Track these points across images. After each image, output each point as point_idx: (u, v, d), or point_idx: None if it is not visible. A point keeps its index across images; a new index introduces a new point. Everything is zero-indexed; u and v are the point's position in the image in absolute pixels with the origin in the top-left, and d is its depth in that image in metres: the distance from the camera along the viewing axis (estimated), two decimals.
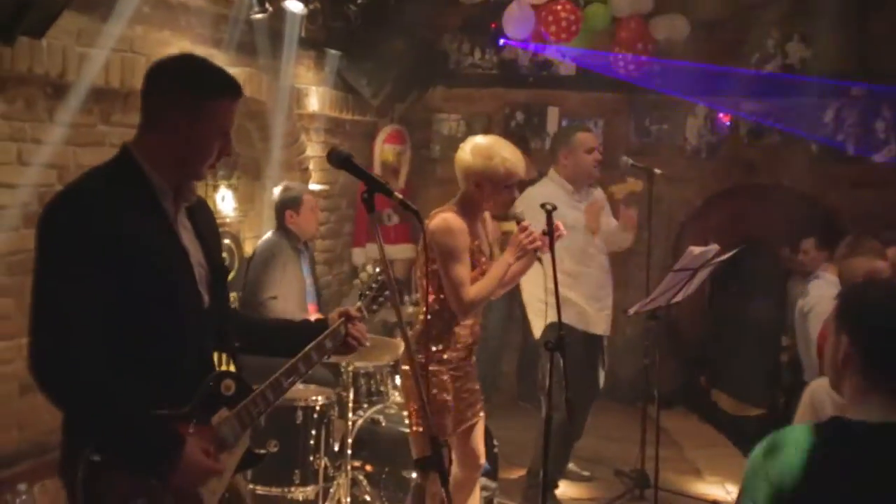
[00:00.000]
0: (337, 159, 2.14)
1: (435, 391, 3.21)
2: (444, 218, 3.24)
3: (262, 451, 2.30)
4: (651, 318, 4.28)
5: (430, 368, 3.21)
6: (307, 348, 2.32)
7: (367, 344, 2.48)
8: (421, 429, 3.19)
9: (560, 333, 2.89)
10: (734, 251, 4.30)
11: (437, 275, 3.22)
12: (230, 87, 2.13)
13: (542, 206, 3.03)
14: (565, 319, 4.32)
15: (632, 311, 4.29)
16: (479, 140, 3.32)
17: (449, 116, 7.17)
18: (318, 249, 5.88)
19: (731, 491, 5.11)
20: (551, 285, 2.94)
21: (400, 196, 2.12)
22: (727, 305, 7.03)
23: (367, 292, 2.48)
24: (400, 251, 6.72)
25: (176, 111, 2.05)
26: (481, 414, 3.48)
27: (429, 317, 3.18)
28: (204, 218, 2.27)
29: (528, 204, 4.12)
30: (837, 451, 1.74)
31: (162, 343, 2.06)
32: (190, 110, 2.05)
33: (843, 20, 6.58)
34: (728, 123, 7.02)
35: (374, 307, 2.48)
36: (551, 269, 2.96)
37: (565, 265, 4.20)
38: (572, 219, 4.33)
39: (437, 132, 7.20)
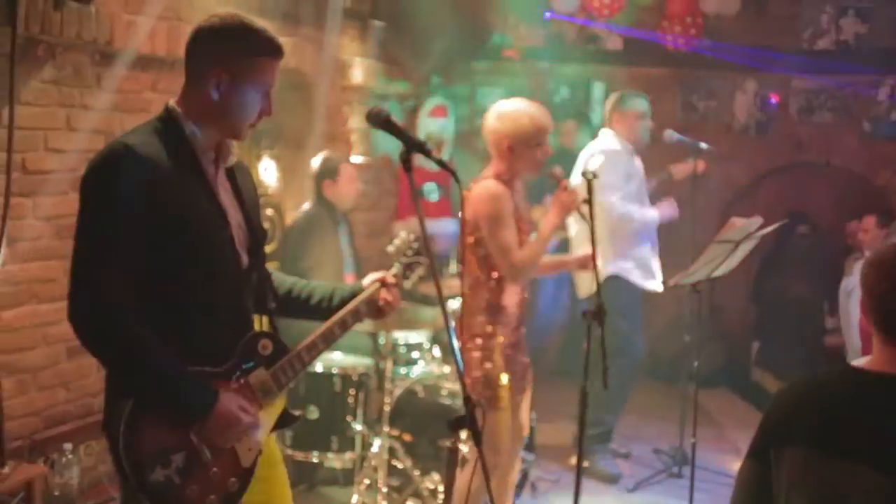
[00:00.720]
0: (376, 119, 2.13)
1: (489, 364, 3.22)
2: (485, 185, 3.23)
3: (298, 413, 2.32)
4: (693, 290, 4.22)
5: (478, 342, 3.22)
6: (342, 312, 2.33)
7: (399, 307, 2.47)
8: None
9: (599, 303, 2.86)
10: (778, 224, 4.21)
11: (479, 246, 3.21)
12: (272, 46, 2.13)
13: (584, 173, 3.00)
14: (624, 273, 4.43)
15: (672, 282, 4.25)
16: (503, 104, 3.33)
17: (493, 90, 7.12)
18: (359, 222, 5.89)
19: None
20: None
21: (438, 156, 2.10)
22: (773, 285, 6.90)
23: (403, 258, 2.47)
24: (441, 226, 6.71)
25: (217, 68, 2.06)
26: (529, 388, 3.48)
27: (470, 290, 3.19)
28: (244, 180, 2.28)
29: (613, 161, 4.44)
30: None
31: (199, 301, 2.08)
32: (231, 67, 2.07)
33: None
34: (776, 101, 6.87)
35: (409, 273, 2.47)
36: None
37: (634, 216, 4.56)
38: (637, 166, 4.67)
39: (481, 106, 7.14)
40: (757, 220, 3.94)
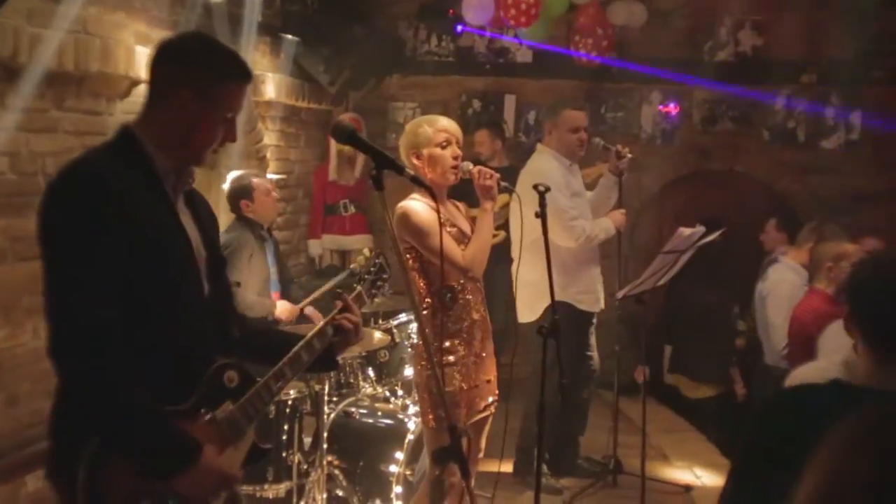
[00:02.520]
0: (341, 134, 2.03)
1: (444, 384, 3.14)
2: (400, 206, 3.20)
3: (268, 446, 2.18)
4: (638, 301, 4.26)
5: (435, 360, 3.13)
6: (309, 336, 2.23)
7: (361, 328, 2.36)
8: (433, 423, 3.10)
9: (555, 318, 2.82)
10: (718, 233, 4.29)
11: (419, 264, 3.15)
12: (241, 70, 2.05)
13: (535, 187, 2.97)
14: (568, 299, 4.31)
15: (620, 294, 4.27)
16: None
17: (405, 104, 7.07)
18: None
19: (699, 475, 5.14)
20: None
21: (412, 172, 2.01)
22: (683, 291, 7.07)
23: (367, 276, 2.38)
24: (356, 242, 6.60)
25: (185, 91, 1.96)
26: (492, 409, 3.40)
27: (425, 311, 3.14)
28: (202, 205, 2.18)
29: (532, 177, 4.12)
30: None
31: (161, 330, 1.95)
32: (199, 90, 1.97)
33: (795, 8, 6.70)
34: (676, 114, 7.07)
35: (374, 291, 2.38)
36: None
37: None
38: (577, 187, 4.57)
39: (393, 120, 7.09)
40: (700, 230, 4.01)
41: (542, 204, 2.93)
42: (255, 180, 4.65)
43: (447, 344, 3.15)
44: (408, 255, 3.17)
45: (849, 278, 1.87)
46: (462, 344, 3.20)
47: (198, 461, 1.87)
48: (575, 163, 4.67)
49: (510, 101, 7.06)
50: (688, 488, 4.90)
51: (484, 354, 3.31)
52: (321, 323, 2.26)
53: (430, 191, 2.02)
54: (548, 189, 3.01)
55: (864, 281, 1.84)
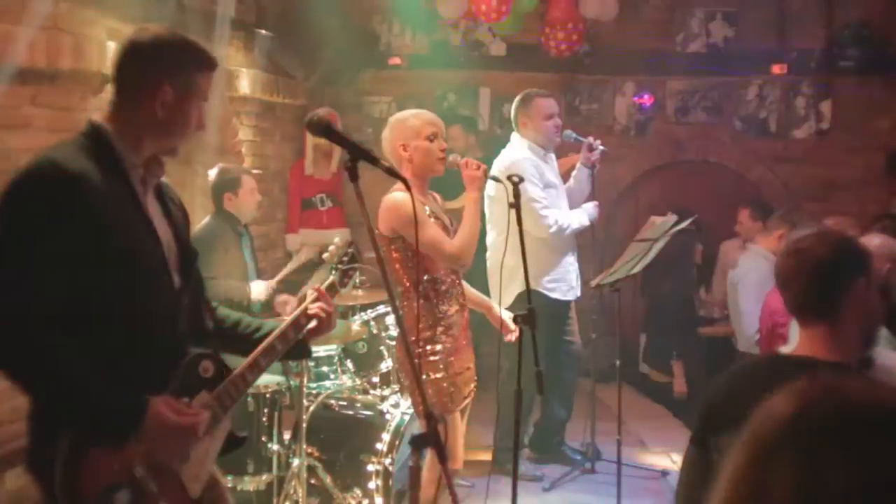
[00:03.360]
0: (316, 127, 2.05)
1: (430, 372, 3.20)
2: (389, 197, 3.23)
3: (244, 434, 2.21)
4: (613, 290, 4.30)
5: (419, 350, 3.18)
6: (283, 325, 2.25)
7: (334, 315, 2.39)
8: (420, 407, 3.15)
9: (530, 307, 2.86)
10: (689, 220, 4.35)
11: (404, 256, 3.19)
12: (209, 58, 2.10)
13: (509, 178, 3.00)
14: (539, 288, 4.37)
15: (594, 282, 4.31)
16: (392, 116, 3.47)
17: (381, 99, 7.08)
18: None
19: (676, 460, 5.21)
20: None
21: (387, 164, 2.04)
22: (656, 279, 7.13)
23: (339, 266, 2.40)
24: (334, 236, 6.59)
25: (164, 87, 1.99)
26: (472, 395, 3.47)
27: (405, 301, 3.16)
28: (171, 198, 2.21)
29: (524, 170, 4.16)
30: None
31: (131, 325, 1.96)
32: (175, 82, 2.01)
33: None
34: (650, 104, 7.13)
35: (346, 280, 2.40)
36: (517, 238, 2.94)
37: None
38: (552, 177, 4.60)
39: (369, 115, 7.10)
40: (672, 218, 4.06)
41: (516, 195, 2.97)
42: (245, 177, 4.69)
43: (428, 334, 3.19)
44: (392, 247, 3.20)
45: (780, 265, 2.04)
46: (445, 333, 3.25)
47: (145, 410, 1.88)
48: (551, 151, 4.71)
49: (485, 94, 7.09)
50: (664, 473, 4.97)
51: (464, 343, 3.36)
52: (295, 313, 2.28)
53: (405, 182, 2.05)
54: (521, 179, 3.05)
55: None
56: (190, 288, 2.15)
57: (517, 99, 4.72)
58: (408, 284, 3.22)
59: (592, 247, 4.67)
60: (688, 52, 6.99)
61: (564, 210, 4.59)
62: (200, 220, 4.79)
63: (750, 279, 5.68)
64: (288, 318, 2.27)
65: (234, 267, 4.50)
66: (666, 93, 7.11)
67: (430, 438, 1.90)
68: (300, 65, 5.93)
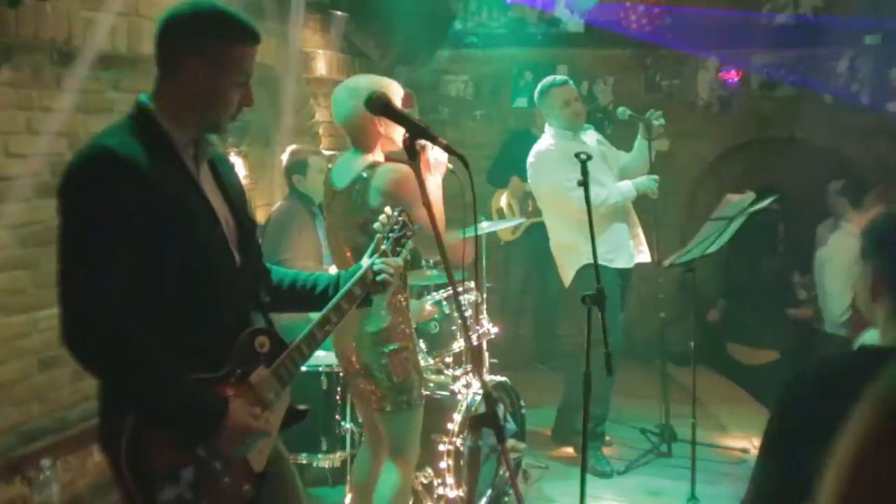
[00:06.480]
0: (375, 105, 2.04)
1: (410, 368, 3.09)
2: (395, 169, 2.92)
3: (304, 407, 2.21)
4: (687, 270, 4.19)
5: (403, 345, 3.06)
6: (337, 297, 2.23)
7: (397, 274, 2.35)
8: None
9: (599, 286, 2.80)
10: (770, 199, 4.18)
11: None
12: (249, 32, 2.03)
13: (577, 155, 2.95)
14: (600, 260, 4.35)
15: (667, 262, 4.21)
16: (343, 87, 3.13)
17: (457, 78, 7.05)
18: None
19: (756, 445, 5.07)
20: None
21: (444, 141, 2.01)
22: (743, 260, 6.93)
23: (390, 234, 2.36)
24: None
25: (194, 59, 1.95)
26: None
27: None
28: (227, 173, 2.17)
29: (547, 159, 4.08)
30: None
31: (195, 304, 1.96)
32: (209, 57, 1.96)
33: None
34: (737, 80, 6.90)
35: (399, 248, 2.36)
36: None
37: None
38: (589, 144, 4.55)
39: (445, 94, 7.08)
40: (750, 196, 3.92)
41: (585, 172, 2.91)
42: (312, 157, 4.73)
43: (407, 330, 3.08)
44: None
45: (870, 235, 1.76)
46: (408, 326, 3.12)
47: (225, 417, 1.90)
48: (581, 131, 4.65)
49: (562, 72, 6.96)
50: (744, 450, 4.86)
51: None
52: (350, 283, 2.25)
53: (463, 160, 2.01)
54: (589, 157, 2.99)
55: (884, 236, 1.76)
56: (250, 262, 2.14)
57: (536, 91, 4.70)
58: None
59: (656, 221, 4.51)
60: (775, 24, 6.73)
61: (607, 183, 4.53)
62: (279, 202, 4.88)
63: (838, 259, 5.47)
64: (342, 290, 2.24)
65: (308, 247, 4.56)
66: (751, 66, 6.87)
67: (489, 418, 1.89)
68: (375, 45, 5.93)
